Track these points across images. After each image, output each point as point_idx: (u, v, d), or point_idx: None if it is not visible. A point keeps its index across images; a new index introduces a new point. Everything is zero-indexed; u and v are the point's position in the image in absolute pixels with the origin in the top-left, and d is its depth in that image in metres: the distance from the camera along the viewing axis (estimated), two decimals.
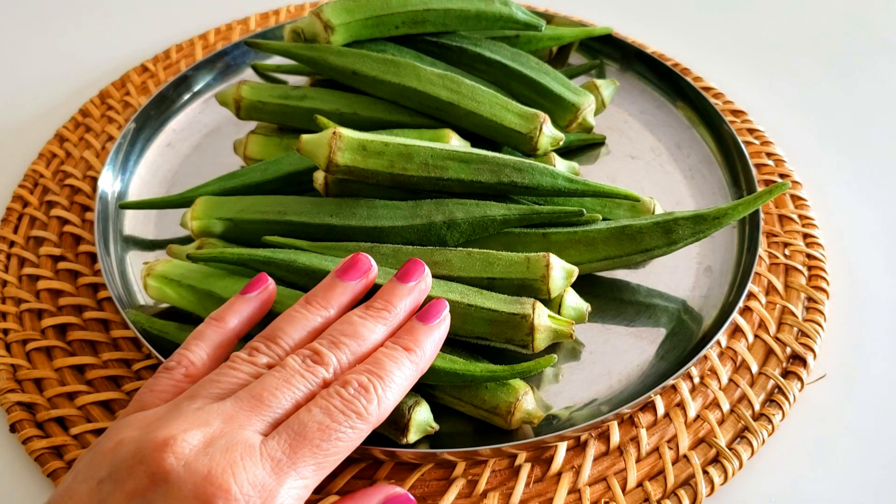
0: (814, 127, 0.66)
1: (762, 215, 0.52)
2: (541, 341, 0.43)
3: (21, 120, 0.66)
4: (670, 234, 0.47)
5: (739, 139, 0.57)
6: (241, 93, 0.56)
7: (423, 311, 0.39)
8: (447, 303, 0.40)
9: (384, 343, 0.38)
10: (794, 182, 0.59)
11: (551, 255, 0.45)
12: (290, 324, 0.38)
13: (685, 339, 0.48)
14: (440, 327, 0.39)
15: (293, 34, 0.58)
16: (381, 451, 0.41)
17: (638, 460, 0.44)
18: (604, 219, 0.49)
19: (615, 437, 0.45)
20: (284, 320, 0.38)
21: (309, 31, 0.57)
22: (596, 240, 0.48)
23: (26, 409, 0.46)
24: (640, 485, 0.43)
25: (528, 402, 0.43)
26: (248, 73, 0.65)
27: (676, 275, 0.52)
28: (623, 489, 0.43)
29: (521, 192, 0.48)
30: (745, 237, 0.52)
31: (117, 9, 0.78)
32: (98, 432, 0.45)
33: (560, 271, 0.45)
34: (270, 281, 0.41)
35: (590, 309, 0.46)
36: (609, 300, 0.50)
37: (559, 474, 0.44)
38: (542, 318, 0.43)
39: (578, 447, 0.45)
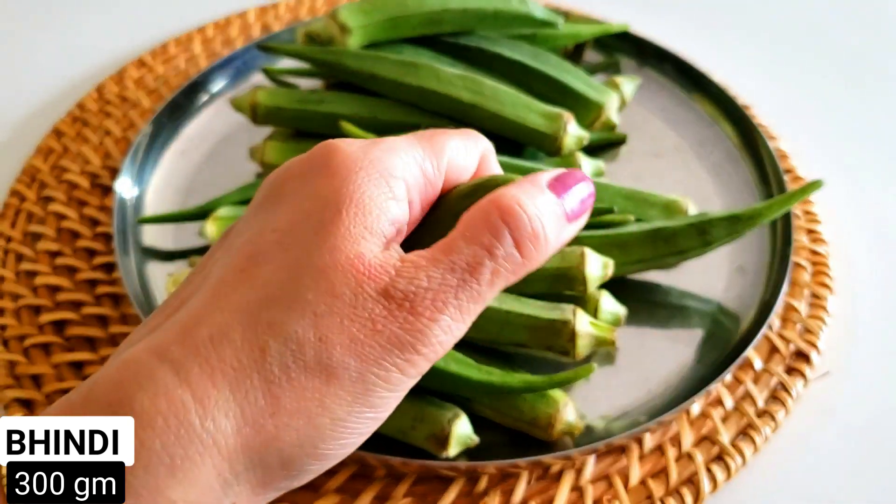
0: (818, 122, 0.65)
1: (793, 213, 0.51)
2: (582, 348, 0.42)
3: (18, 114, 0.64)
4: (705, 235, 0.47)
5: (764, 135, 0.57)
6: (258, 98, 0.54)
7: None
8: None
9: None
10: (797, 178, 0.58)
11: (584, 247, 0.44)
12: None
13: (723, 341, 0.47)
14: None
15: (306, 37, 0.57)
16: (419, 464, 0.40)
17: (640, 458, 0.44)
18: (636, 220, 0.48)
19: None
20: None
21: (324, 34, 0.55)
22: (629, 242, 0.47)
23: (24, 405, 0.45)
24: (642, 482, 0.43)
25: (568, 413, 0.41)
26: (258, 78, 0.63)
27: (708, 275, 0.50)
28: (625, 487, 0.42)
29: None
30: (777, 234, 0.51)
31: (115, 2, 0.76)
32: None
33: (596, 261, 0.44)
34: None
35: (626, 313, 0.45)
36: (640, 302, 0.49)
37: (561, 472, 0.43)
38: (584, 324, 0.42)
39: None
